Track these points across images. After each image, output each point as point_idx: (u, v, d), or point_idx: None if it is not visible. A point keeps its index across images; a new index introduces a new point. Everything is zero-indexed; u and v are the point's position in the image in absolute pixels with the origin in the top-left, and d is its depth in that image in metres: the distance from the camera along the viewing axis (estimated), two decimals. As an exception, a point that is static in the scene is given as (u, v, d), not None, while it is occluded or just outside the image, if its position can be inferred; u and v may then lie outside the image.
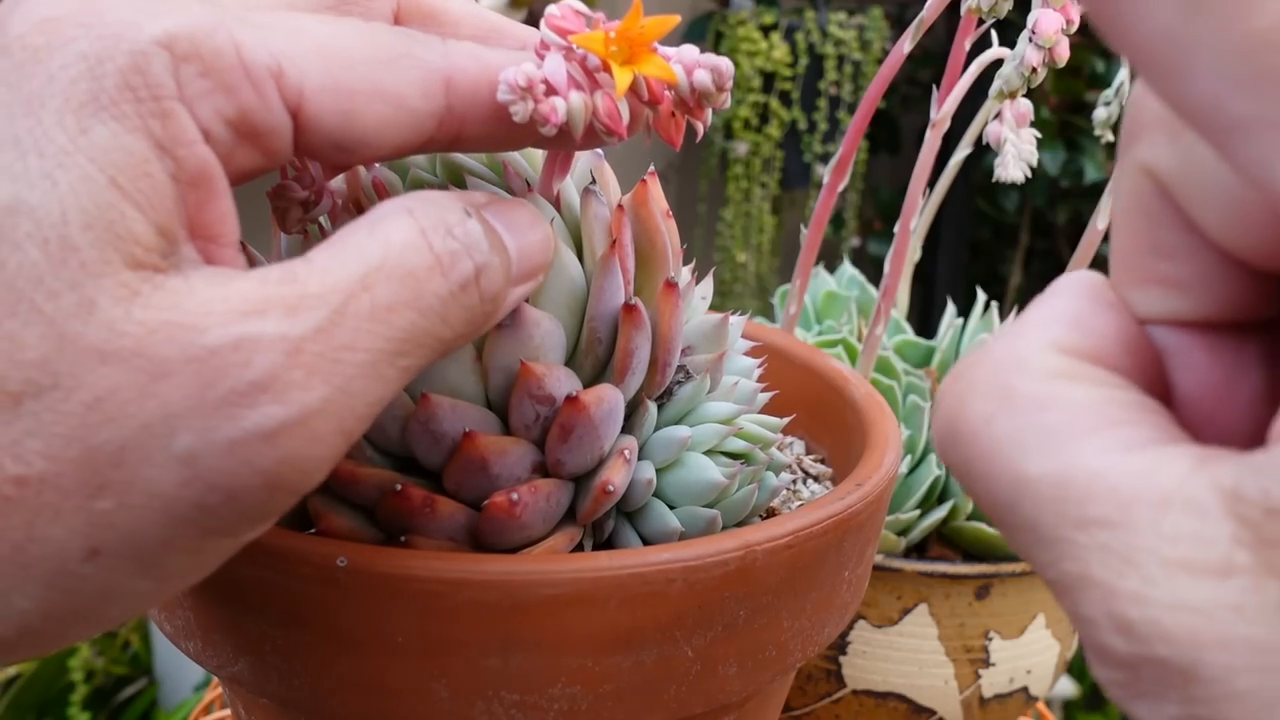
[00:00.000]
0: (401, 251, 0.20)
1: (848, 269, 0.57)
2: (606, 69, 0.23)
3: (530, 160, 0.31)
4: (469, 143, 0.23)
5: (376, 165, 0.31)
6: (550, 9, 0.24)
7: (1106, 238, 0.47)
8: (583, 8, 0.24)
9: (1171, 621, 0.13)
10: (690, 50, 0.25)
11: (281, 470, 0.19)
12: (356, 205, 0.31)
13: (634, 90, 0.24)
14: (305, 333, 0.19)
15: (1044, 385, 0.15)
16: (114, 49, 0.19)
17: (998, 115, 0.45)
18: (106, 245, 0.18)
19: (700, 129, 0.26)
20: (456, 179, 0.31)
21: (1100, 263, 0.48)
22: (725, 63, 0.24)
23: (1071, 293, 0.16)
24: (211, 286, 0.19)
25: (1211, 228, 0.15)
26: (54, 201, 0.18)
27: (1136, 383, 0.16)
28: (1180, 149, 0.15)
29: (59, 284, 0.18)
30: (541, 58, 0.23)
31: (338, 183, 0.30)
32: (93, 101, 0.19)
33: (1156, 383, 0.16)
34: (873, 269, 0.51)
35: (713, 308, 0.33)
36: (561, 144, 0.25)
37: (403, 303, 0.20)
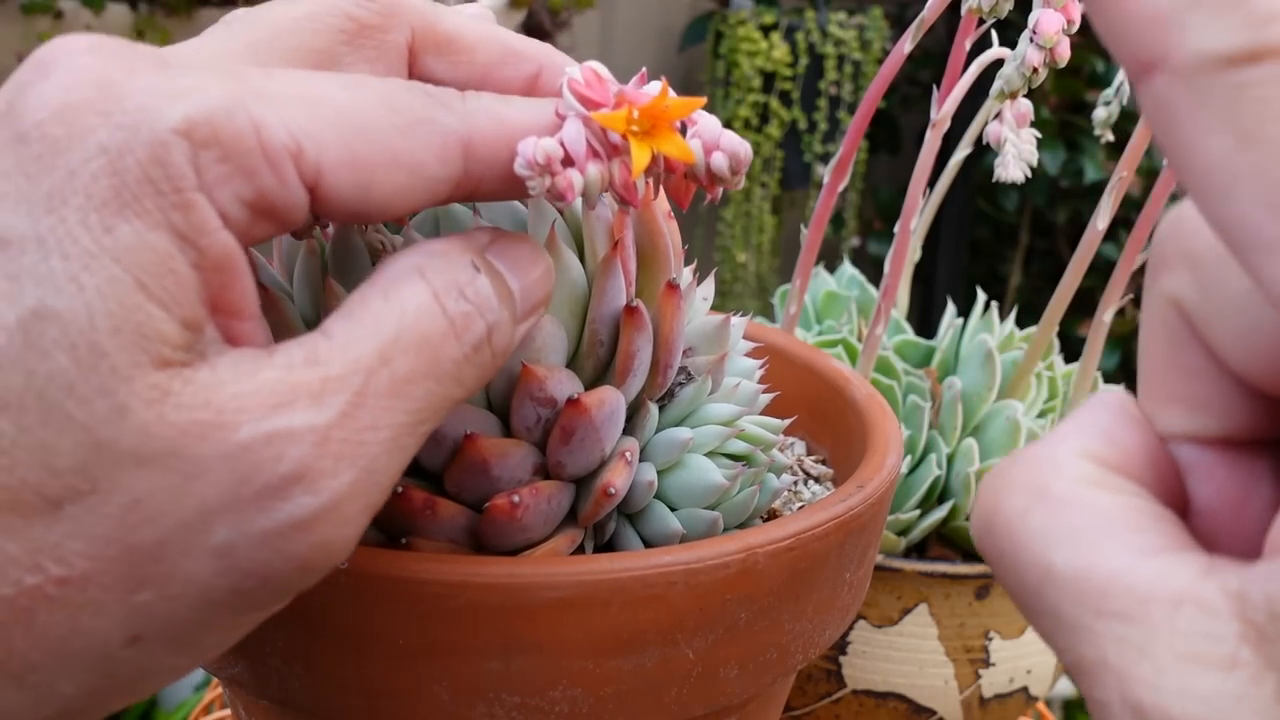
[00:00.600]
0: (416, 319, 0.21)
1: (848, 269, 0.57)
2: (625, 143, 0.23)
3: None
4: (484, 197, 0.23)
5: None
6: (573, 72, 0.24)
7: (1106, 238, 0.47)
8: (604, 72, 0.24)
9: (1179, 707, 0.15)
10: (711, 124, 0.25)
11: (314, 555, 0.19)
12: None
13: (651, 164, 0.24)
14: (331, 419, 0.19)
15: (1074, 489, 0.17)
16: (134, 140, 0.19)
17: (998, 115, 0.45)
18: (135, 348, 0.18)
19: (715, 198, 0.26)
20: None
21: (1100, 263, 0.49)
22: (744, 148, 0.25)
23: (1104, 408, 0.18)
24: (239, 377, 0.19)
25: (1228, 354, 0.17)
26: (81, 306, 0.18)
27: (1157, 494, 0.17)
28: (1201, 282, 0.17)
29: (90, 390, 0.18)
30: (561, 118, 0.23)
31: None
32: (115, 199, 0.18)
33: (1176, 494, 0.18)
34: (873, 269, 0.51)
35: (713, 308, 0.33)
36: None
37: (420, 373, 0.21)
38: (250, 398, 0.19)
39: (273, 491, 0.19)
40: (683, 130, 0.24)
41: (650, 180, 0.25)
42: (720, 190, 0.25)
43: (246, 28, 0.23)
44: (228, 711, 0.54)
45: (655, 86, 0.24)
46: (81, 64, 0.19)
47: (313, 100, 0.20)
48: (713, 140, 0.24)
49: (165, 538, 0.18)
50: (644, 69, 0.25)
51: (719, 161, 0.24)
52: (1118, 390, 0.19)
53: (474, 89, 0.25)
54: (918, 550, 0.48)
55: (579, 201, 0.28)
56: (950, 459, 0.48)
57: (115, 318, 0.18)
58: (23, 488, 0.18)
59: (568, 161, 0.23)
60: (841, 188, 0.47)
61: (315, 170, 0.20)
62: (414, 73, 0.25)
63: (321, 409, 0.19)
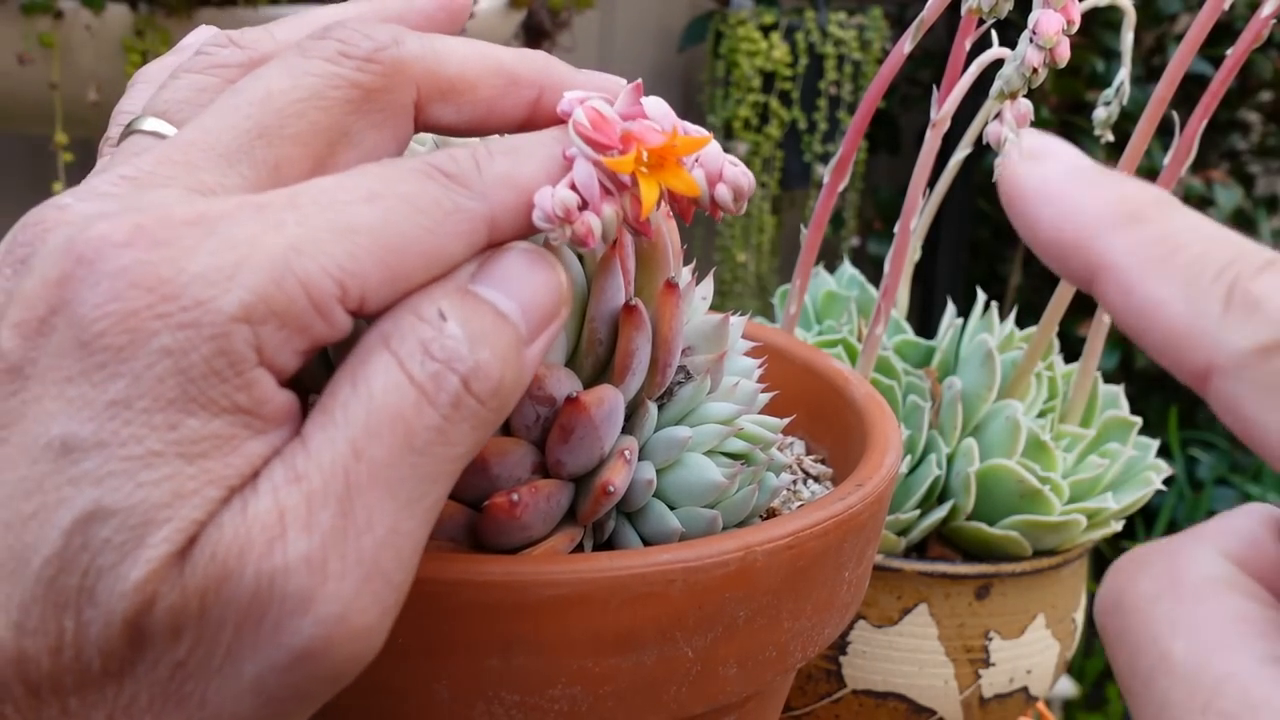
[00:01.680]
0: (384, 399, 0.20)
1: (848, 269, 0.57)
2: (635, 182, 0.24)
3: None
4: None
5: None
6: (578, 115, 0.24)
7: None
8: (607, 110, 0.24)
9: None
10: (714, 156, 0.25)
11: (339, 666, 0.20)
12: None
13: (659, 198, 0.24)
14: (323, 539, 0.19)
15: (1208, 585, 0.18)
16: (196, 338, 0.19)
17: (998, 115, 0.45)
18: (178, 534, 0.19)
19: (717, 218, 0.26)
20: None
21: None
22: (747, 180, 0.25)
23: (1251, 516, 0.19)
24: (234, 518, 0.19)
25: None
26: (138, 502, 0.19)
27: None
28: None
29: (123, 584, 0.19)
30: (569, 159, 0.24)
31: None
32: (181, 396, 0.19)
33: None
34: (873, 269, 0.51)
35: (713, 308, 0.33)
36: None
37: (398, 454, 0.20)
38: (247, 537, 0.19)
39: (281, 627, 0.19)
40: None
41: (659, 207, 0.25)
42: (722, 215, 0.26)
43: (254, 106, 0.22)
44: None
45: (655, 105, 0.24)
46: (128, 263, 0.19)
47: (345, 230, 0.20)
48: (715, 172, 0.25)
49: (206, 687, 0.19)
50: (639, 80, 0.25)
51: (723, 194, 0.25)
52: (1268, 505, 0.20)
53: (478, 128, 0.25)
54: (918, 550, 0.48)
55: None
56: (950, 459, 0.48)
57: (168, 509, 0.19)
58: (89, 666, 0.19)
59: (582, 205, 0.23)
60: (841, 188, 0.47)
61: (360, 298, 0.21)
62: (421, 122, 0.25)
63: (311, 532, 0.19)
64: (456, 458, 0.21)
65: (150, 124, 0.25)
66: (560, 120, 0.25)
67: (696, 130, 0.25)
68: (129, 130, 0.25)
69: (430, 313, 0.21)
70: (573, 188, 0.23)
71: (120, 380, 0.19)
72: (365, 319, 0.22)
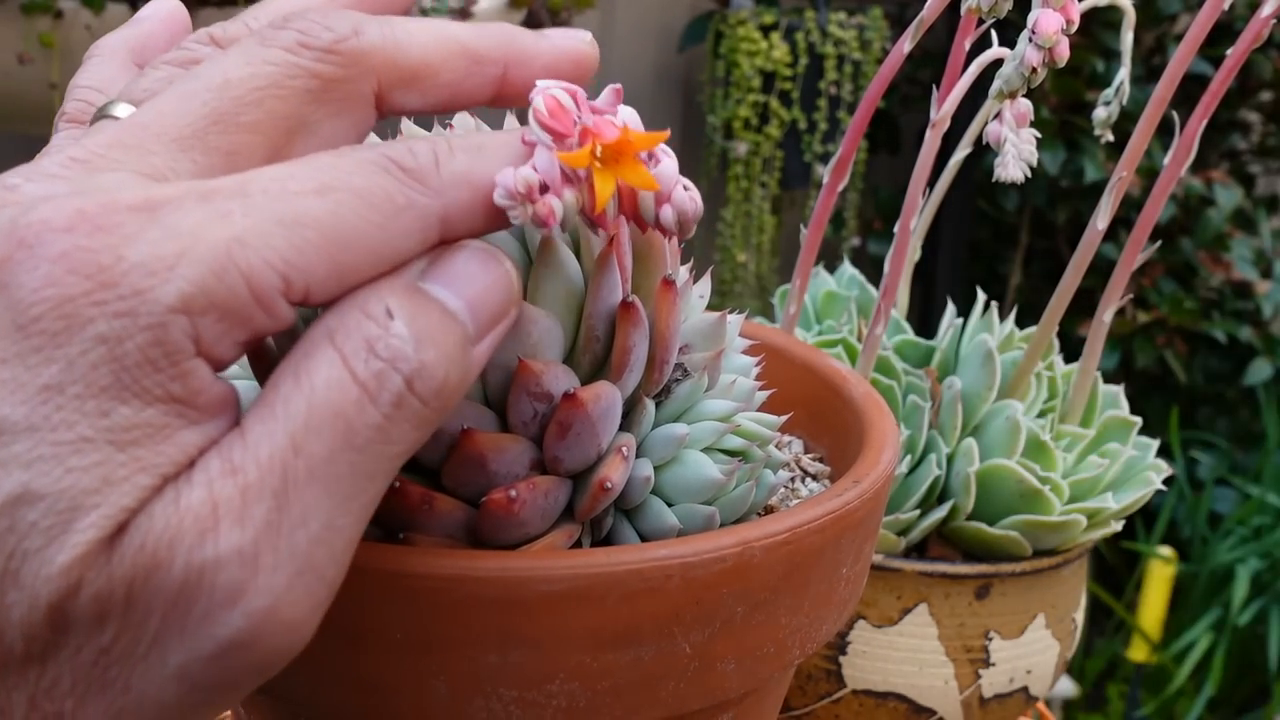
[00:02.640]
0: (326, 394, 0.20)
1: (848, 269, 0.57)
2: (590, 175, 0.23)
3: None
4: (460, 239, 0.23)
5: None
6: (537, 103, 0.23)
7: (1106, 238, 0.47)
8: (566, 100, 0.24)
9: None
10: (669, 174, 0.24)
11: (267, 658, 0.20)
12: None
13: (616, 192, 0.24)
14: (256, 533, 0.19)
15: None
16: (132, 326, 0.19)
17: (998, 115, 0.45)
18: (106, 520, 0.19)
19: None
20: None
21: (1100, 263, 0.49)
22: (693, 208, 0.25)
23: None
24: (166, 508, 0.19)
25: None
26: (66, 486, 0.19)
27: None
28: None
29: (49, 567, 0.19)
30: (530, 145, 0.23)
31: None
32: (115, 384, 0.19)
33: None
34: (873, 269, 0.51)
35: (712, 307, 0.33)
36: None
37: (338, 451, 0.20)
38: (178, 528, 0.19)
39: (210, 618, 0.19)
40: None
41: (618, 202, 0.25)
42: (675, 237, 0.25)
43: (211, 92, 0.22)
44: (228, 711, 0.54)
45: (627, 114, 0.24)
46: (67, 249, 0.19)
47: (293, 223, 0.20)
48: (665, 193, 0.24)
49: (131, 673, 0.19)
50: (619, 85, 0.25)
51: (667, 216, 0.24)
52: None
53: (445, 110, 0.25)
54: (918, 550, 0.48)
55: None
56: (950, 459, 0.48)
57: (97, 494, 0.19)
58: (11, 648, 0.19)
59: (544, 188, 0.23)
60: (841, 187, 0.47)
61: (304, 291, 0.20)
62: (384, 109, 0.25)
63: (245, 526, 0.19)
64: (396, 455, 0.21)
65: (121, 110, 0.24)
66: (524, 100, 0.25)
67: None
68: (100, 114, 0.25)
69: (377, 310, 0.21)
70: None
71: (54, 365, 0.19)
72: (312, 309, 0.22)
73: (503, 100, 0.25)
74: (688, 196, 0.25)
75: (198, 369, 0.20)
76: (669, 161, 0.25)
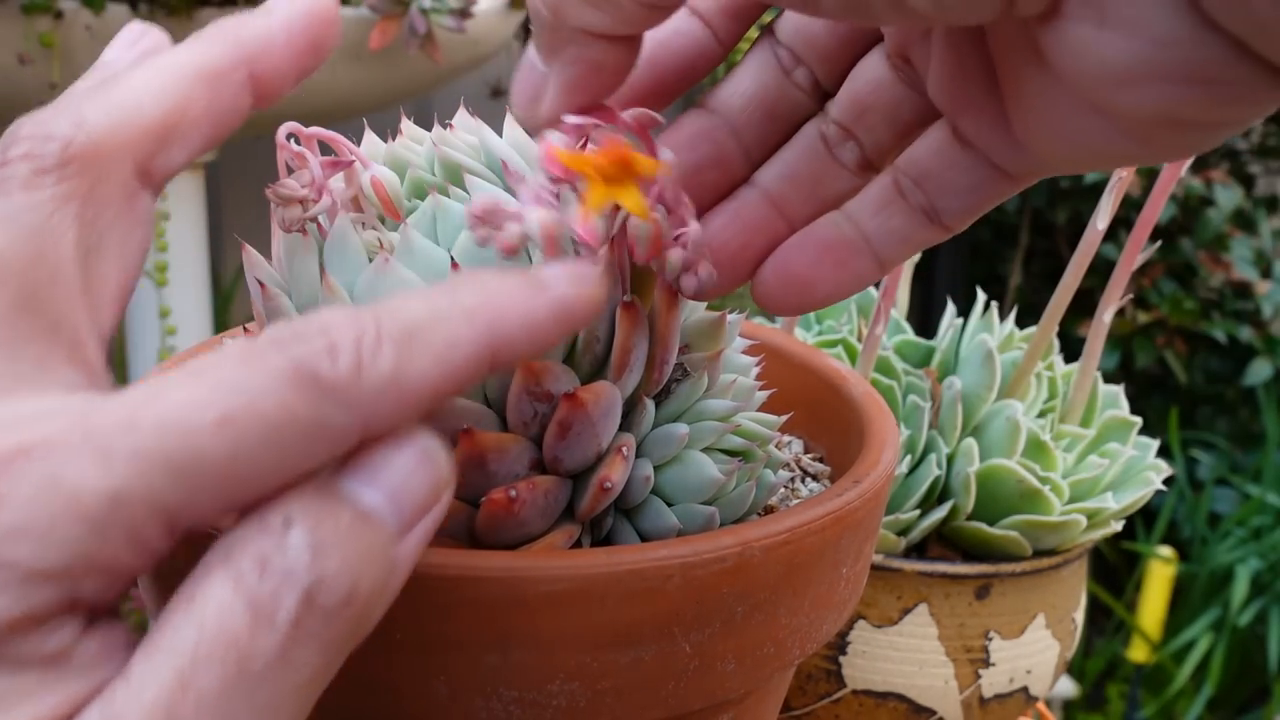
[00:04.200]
0: (217, 621, 0.18)
1: (847, 269, 0.57)
2: (585, 182, 0.23)
3: (529, 160, 0.31)
4: None
5: (374, 164, 0.31)
6: (552, 139, 0.23)
7: (1106, 238, 0.47)
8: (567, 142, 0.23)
9: None
10: (697, 237, 0.24)
11: None
12: (355, 204, 0.31)
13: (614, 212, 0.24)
14: None
15: None
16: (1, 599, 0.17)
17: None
18: None
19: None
20: (455, 178, 0.31)
21: (1100, 263, 0.49)
22: (712, 284, 0.25)
23: None
24: None
25: None
26: None
27: None
28: None
29: None
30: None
31: (337, 181, 0.30)
32: None
33: None
34: (872, 269, 0.51)
35: (712, 307, 0.33)
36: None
37: (230, 685, 0.18)
38: None
39: None
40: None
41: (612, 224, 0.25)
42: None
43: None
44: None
45: (667, 155, 0.24)
46: None
47: (185, 466, 0.18)
48: (692, 260, 0.25)
49: None
50: (651, 114, 0.25)
51: (688, 284, 0.25)
52: None
53: (214, 144, 0.23)
54: (918, 550, 0.48)
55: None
56: (950, 459, 0.48)
57: None
58: None
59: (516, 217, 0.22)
60: (841, 187, 0.47)
61: (192, 524, 0.19)
62: (154, 181, 0.22)
63: None
64: (304, 684, 0.19)
65: None
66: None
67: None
68: None
69: (274, 521, 0.19)
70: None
71: None
72: None
73: (266, 99, 0.23)
74: (709, 272, 0.25)
75: (74, 626, 0.18)
76: (696, 226, 0.25)
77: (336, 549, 0.19)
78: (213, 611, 0.18)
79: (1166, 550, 1.58)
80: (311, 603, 0.19)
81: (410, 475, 0.20)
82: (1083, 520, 0.46)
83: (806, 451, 0.39)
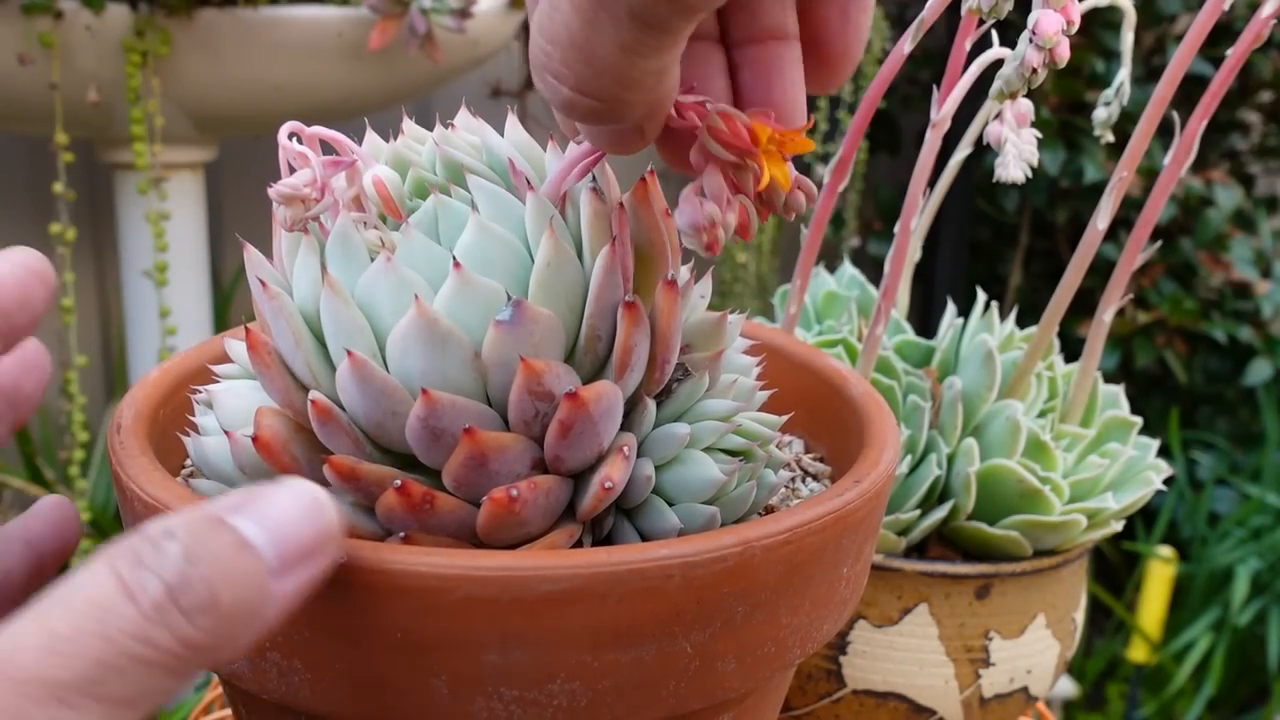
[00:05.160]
0: (89, 590, 0.20)
1: (848, 269, 0.57)
2: (759, 165, 0.26)
3: (531, 160, 0.31)
4: None
5: (376, 164, 0.31)
6: (715, 122, 0.26)
7: (1106, 238, 0.47)
8: (741, 117, 0.26)
9: None
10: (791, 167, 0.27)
11: None
12: (357, 203, 0.31)
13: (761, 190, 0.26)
14: None
15: None
16: None
17: (998, 115, 0.46)
18: None
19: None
20: (457, 178, 0.31)
21: (1100, 263, 0.49)
22: (813, 188, 0.28)
23: None
24: None
25: None
26: None
27: None
28: None
29: None
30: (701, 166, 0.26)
31: (338, 181, 0.30)
32: None
33: None
34: (873, 269, 0.51)
35: (713, 307, 0.33)
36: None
37: (85, 630, 0.20)
38: None
39: None
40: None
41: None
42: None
43: None
44: (228, 711, 0.54)
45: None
46: None
47: None
48: (794, 181, 0.27)
49: None
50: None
51: (798, 199, 0.27)
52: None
53: None
54: (918, 550, 0.48)
55: (579, 200, 0.29)
56: (950, 459, 0.48)
57: None
58: None
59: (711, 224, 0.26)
60: (841, 188, 0.47)
61: None
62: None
63: None
64: (155, 666, 0.20)
65: None
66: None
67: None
68: None
69: (155, 530, 0.21)
70: (703, 190, 0.26)
71: None
72: None
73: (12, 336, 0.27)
74: (809, 181, 0.27)
75: None
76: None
77: (206, 562, 0.21)
78: (85, 581, 0.20)
79: (1166, 550, 1.58)
80: (174, 596, 0.21)
81: (294, 520, 0.23)
82: (1083, 520, 0.46)
83: (807, 451, 0.39)
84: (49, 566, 0.31)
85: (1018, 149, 0.45)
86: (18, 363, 0.29)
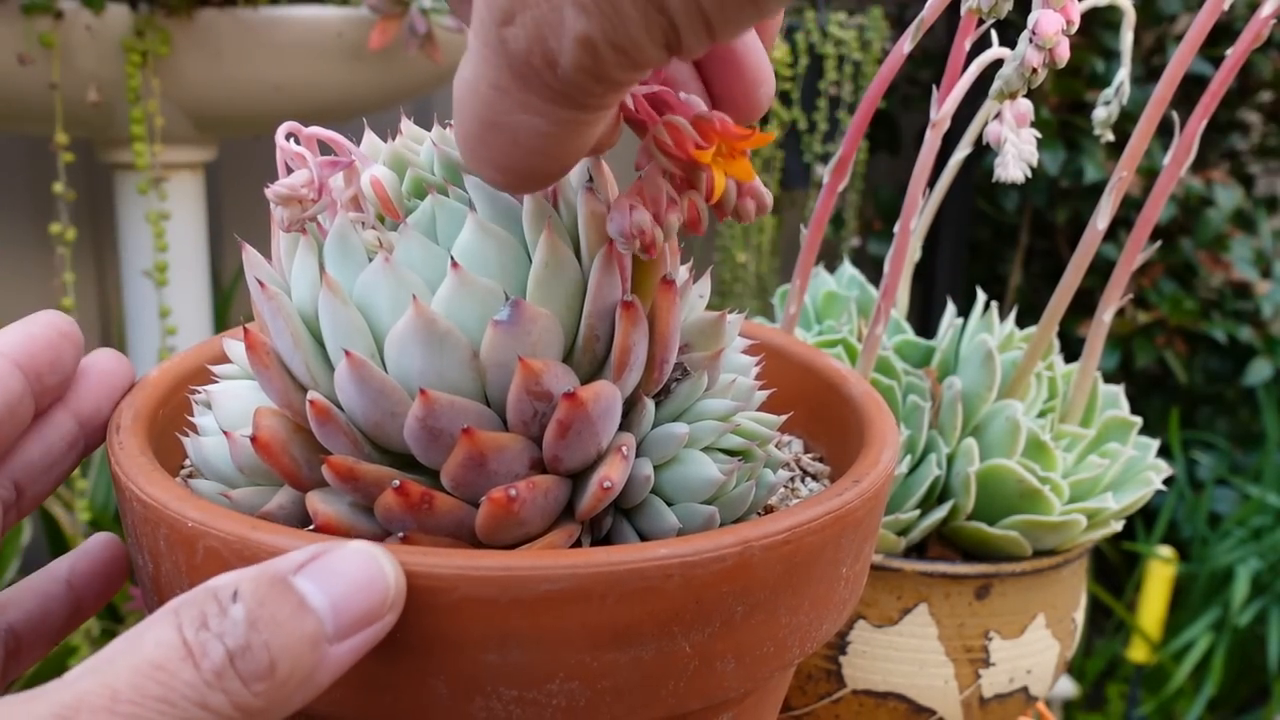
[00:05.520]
0: (153, 650, 0.21)
1: (848, 269, 0.57)
2: (709, 174, 0.26)
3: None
4: None
5: (374, 164, 0.31)
6: (660, 135, 0.26)
7: (1106, 238, 0.47)
8: (682, 124, 0.26)
9: None
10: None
11: None
12: (355, 204, 0.31)
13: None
14: None
15: None
16: None
17: (998, 115, 0.45)
18: None
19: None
20: (456, 178, 0.31)
21: (1100, 263, 0.49)
22: (768, 199, 0.27)
23: None
24: None
25: None
26: None
27: None
28: None
29: None
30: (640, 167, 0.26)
31: (336, 181, 0.30)
32: None
33: None
34: (873, 269, 0.51)
35: (712, 307, 0.33)
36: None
37: (149, 694, 0.20)
38: None
39: None
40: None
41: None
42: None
43: None
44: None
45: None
46: None
47: None
48: (747, 186, 0.27)
49: None
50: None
51: (747, 206, 0.27)
52: None
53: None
54: (918, 550, 0.48)
55: (576, 199, 0.29)
56: (950, 459, 0.48)
57: None
58: None
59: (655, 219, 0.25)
60: (841, 188, 0.47)
61: None
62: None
63: None
64: None
65: None
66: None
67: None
68: None
69: (224, 592, 0.22)
70: (639, 194, 0.25)
71: None
72: None
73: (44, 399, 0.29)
74: (764, 190, 0.27)
75: None
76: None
77: (268, 628, 0.22)
78: (151, 640, 0.21)
79: (1166, 550, 1.58)
80: (233, 661, 0.21)
81: (360, 589, 0.23)
82: (1083, 520, 0.46)
83: (806, 451, 0.39)
84: (89, 609, 0.32)
85: (1017, 149, 0.44)
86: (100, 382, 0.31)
